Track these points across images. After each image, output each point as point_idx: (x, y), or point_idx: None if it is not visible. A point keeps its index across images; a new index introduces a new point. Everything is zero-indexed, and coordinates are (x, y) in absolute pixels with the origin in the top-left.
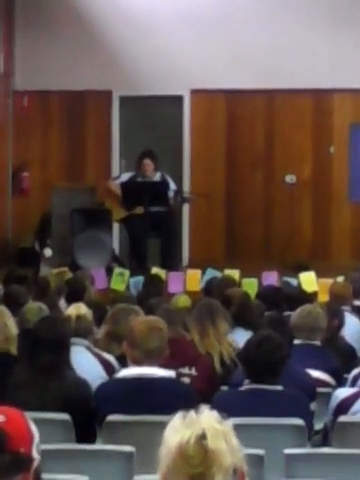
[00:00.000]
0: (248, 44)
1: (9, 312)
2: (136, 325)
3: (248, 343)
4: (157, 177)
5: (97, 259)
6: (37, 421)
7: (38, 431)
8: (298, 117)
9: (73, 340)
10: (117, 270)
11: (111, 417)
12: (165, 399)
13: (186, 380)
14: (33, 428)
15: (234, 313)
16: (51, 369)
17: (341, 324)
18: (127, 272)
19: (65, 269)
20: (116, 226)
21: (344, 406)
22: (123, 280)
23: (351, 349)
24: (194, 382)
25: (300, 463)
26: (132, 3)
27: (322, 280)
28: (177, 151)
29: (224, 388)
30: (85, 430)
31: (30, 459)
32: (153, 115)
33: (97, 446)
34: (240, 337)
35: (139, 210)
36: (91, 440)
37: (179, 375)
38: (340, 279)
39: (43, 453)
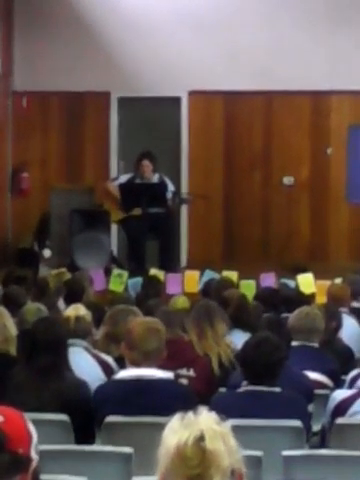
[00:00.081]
0: (246, 46)
1: (8, 313)
2: (134, 326)
3: (246, 345)
4: (155, 178)
5: (96, 260)
6: (36, 422)
7: (37, 432)
8: (296, 119)
9: (72, 341)
10: (115, 271)
11: (110, 418)
12: (163, 400)
13: (184, 381)
14: (31, 428)
15: (231, 315)
16: (50, 370)
17: (339, 326)
18: (125, 273)
19: (64, 270)
20: (114, 227)
21: (342, 408)
22: (121, 281)
23: (349, 351)
24: (192, 383)
25: (298, 465)
26: (131, 5)
27: (320, 282)
28: (175, 152)
29: (222, 390)
30: (84, 431)
31: (28, 459)
32: (151, 116)
33: (96, 447)
34: (238, 339)
35: (137, 211)
36: (90, 441)
37: (177, 376)
38: (338, 281)
39: (42, 454)
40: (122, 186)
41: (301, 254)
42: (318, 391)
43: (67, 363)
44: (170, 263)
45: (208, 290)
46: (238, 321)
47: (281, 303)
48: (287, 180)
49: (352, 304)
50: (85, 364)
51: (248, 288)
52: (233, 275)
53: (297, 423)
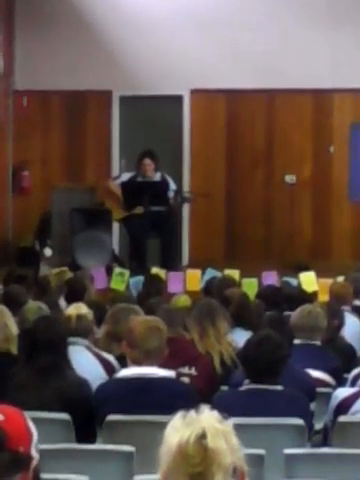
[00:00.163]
0: (248, 44)
1: (9, 312)
2: (135, 325)
3: (248, 343)
4: (157, 177)
5: (97, 259)
6: (37, 421)
7: (38, 431)
8: (298, 117)
9: (73, 340)
10: (117, 270)
11: (111, 417)
12: (165, 399)
13: (186, 380)
14: (32, 427)
15: (233, 313)
16: (50, 369)
17: (341, 324)
18: (127, 272)
19: (65, 269)
20: (116, 226)
21: (344, 406)
22: (123, 280)
23: (351, 349)
24: (194, 382)
25: (300, 463)
26: (132, 3)
27: (322, 280)
28: (177, 151)
29: (224, 388)
30: (85, 430)
31: (29, 458)
32: (153, 115)
33: (97, 446)
34: (239, 337)
35: (139, 210)
36: (91, 440)
37: (179, 375)
38: (340, 279)
39: (43, 453)
40: (124, 185)
41: (303, 252)
42: (320, 389)
43: (68, 362)
44: (172, 262)
45: (210, 288)
46: (239, 320)
47: (283, 301)
48: (289, 178)
49: (354, 302)
50: (86, 363)
51: (250, 286)
52: (235, 273)
53: (299, 421)
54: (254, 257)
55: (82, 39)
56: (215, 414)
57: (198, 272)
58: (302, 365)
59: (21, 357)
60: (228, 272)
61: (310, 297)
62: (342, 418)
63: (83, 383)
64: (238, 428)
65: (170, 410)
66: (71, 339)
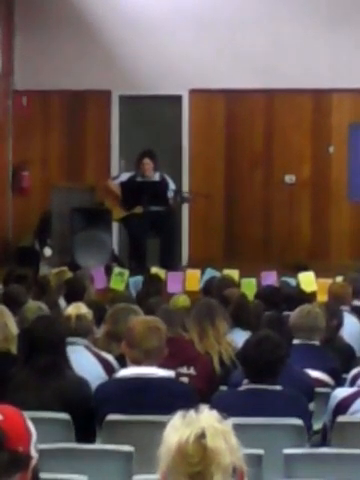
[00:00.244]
0: (247, 44)
1: (9, 312)
2: (135, 325)
3: (247, 343)
4: (156, 177)
5: (96, 258)
6: (37, 420)
7: (38, 430)
8: (297, 117)
9: (72, 340)
10: (116, 270)
11: (110, 417)
12: (164, 399)
13: (185, 380)
14: (31, 427)
15: (231, 313)
16: (50, 369)
17: (340, 324)
18: (126, 272)
19: (65, 268)
20: (116, 226)
21: (343, 406)
22: (122, 280)
23: (350, 349)
24: (193, 382)
25: (299, 463)
26: (132, 3)
27: (321, 280)
28: (176, 151)
29: (223, 388)
30: (85, 429)
31: (28, 458)
32: (152, 115)
33: (96, 446)
34: (238, 337)
35: (138, 210)
36: (91, 439)
37: (178, 375)
38: (339, 279)
39: (43, 452)
40: (123, 184)
41: (302, 252)
42: (319, 389)
43: (67, 361)
44: (171, 261)
45: (209, 288)
46: (238, 320)
47: (282, 301)
48: (288, 178)
49: (353, 302)
50: (86, 362)
51: (249, 286)
52: (234, 273)
53: (298, 421)
54: (253, 257)
55: (82, 39)
56: (214, 414)
57: (197, 272)
58: (301, 365)
59: (20, 357)
60: (227, 272)
61: (309, 297)
62: (341, 418)
63: (83, 383)
64: (237, 428)
65: (169, 410)
66: (70, 339)
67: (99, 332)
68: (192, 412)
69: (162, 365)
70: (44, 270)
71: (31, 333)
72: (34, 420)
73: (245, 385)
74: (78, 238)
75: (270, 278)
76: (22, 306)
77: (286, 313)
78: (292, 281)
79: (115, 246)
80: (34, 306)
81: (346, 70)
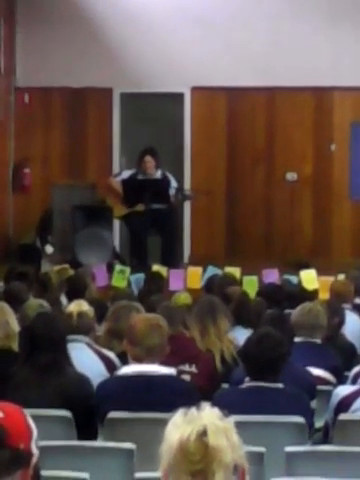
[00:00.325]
0: (249, 42)
1: (10, 309)
2: (136, 322)
3: (248, 341)
4: (158, 174)
5: (98, 256)
6: (38, 418)
7: (39, 428)
8: (299, 115)
9: (74, 337)
10: (118, 267)
11: (112, 414)
12: (166, 396)
13: (186, 377)
14: (31, 424)
15: (233, 311)
16: (51, 366)
17: (342, 322)
18: (128, 269)
19: (66, 266)
20: (117, 223)
21: (345, 404)
22: (124, 277)
23: (351, 347)
24: (194, 379)
25: (301, 461)
26: (133, 1)
27: (323, 278)
28: (178, 148)
29: (225, 386)
30: (86, 427)
31: (29, 455)
32: (154, 112)
33: (98, 443)
34: (240, 335)
35: (140, 207)
36: (92, 437)
37: (180, 372)
38: (341, 277)
39: (44, 450)
40: (125, 182)
41: (304, 250)
42: (321, 387)
43: (68, 359)
44: (173, 259)
45: (211, 286)
46: (239, 318)
47: (284, 299)
48: (290, 176)
49: (355, 300)
50: (87, 360)
51: (251, 284)
52: (236, 271)
53: (300, 419)
54: (255, 255)
55: (83, 36)
56: (216, 411)
57: (199, 270)
58: (303, 363)
59: (21, 354)
60: (229, 270)
61: (311, 295)
62: (343, 416)
63: (84, 380)
64: (239, 426)
65: (171, 408)
66: (72, 336)
67: (100, 329)
68: (194, 410)
69: (163, 363)
70: (45, 267)
71: (31, 331)
72: (35, 418)
73: (247, 383)
74: (79, 236)
75: (272, 276)
76: (23, 303)
77: (288, 311)
78: (294, 279)
79: (116, 244)
80: (35, 303)
81: (348, 68)
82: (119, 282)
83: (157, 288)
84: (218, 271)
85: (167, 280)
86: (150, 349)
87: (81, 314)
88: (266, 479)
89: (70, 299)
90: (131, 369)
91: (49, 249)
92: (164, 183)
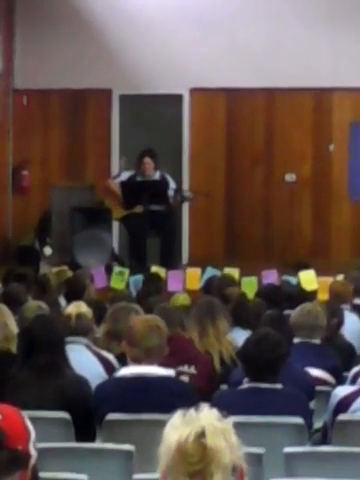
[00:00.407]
0: (248, 42)
1: (9, 311)
2: (135, 324)
3: (247, 341)
4: (157, 176)
5: (97, 258)
6: (37, 420)
7: (37, 430)
8: (298, 116)
9: (73, 339)
10: (117, 269)
11: (111, 416)
12: (164, 398)
13: (185, 379)
14: (29, 425)
15: (231, 312)
16: (49, 368)
17: (341, 322)
18: (127, 271)
19: (65, 268)
20: (116, 225)
21: (343, 404)
22: (123, 279)
23: (351, 347)
24: (193, 381)
25: (300, 461)
26: (132, 2)
27: (322, 278)
28: (177, 150)
29: (223, 387)
30: (85, 428)
31: (27, 456)
32: (153, 114)
33: (97, 445)
34: (238, 336)
35: (139, 209)
36: (90, 439)
37: (178, 374)
38: (340, 277)
39: (43, 451)
40: (123, 183)
41: (303, 251)
42: (320, 388)
43: (66, 360)
44: (171, 260)
45: (209, 287)
46: (238, 319)
47: (283, 300)
48: (289, 177)
49: (354, 301)
50: (86, 361)
51: (249, 285)
52: (235, 272)
53: (299, 420)
54: (254, 256)
55: (82, 38)
56: (214, 412)
57: (198, 271)
58: (302, 364)
59: (20, 356)
60: (228, 271)
61: (310, 296)
62: (342, 416)
63: (82, 382)
64: (238, 427)
65: (170, 409)
66: (71, 338)
67: (99, 331)
68: (192, 411)
69: (162, 364)
70: (44, 269)
71: (30, 332)
72: (34, 419)
73: (245, 384)
74: (78, 237)
75: (271, 277)
76: (22, 305)
77: (287, 312)
78: (293, 280)
79: (115, 245)
80: (34, 305)
81: (347, 69)
82: (118, 283)
83: (156, 289)
84: (217, 272)
85: (166, 281)
86: (149, 350)
87: (80, 316)
88: None
89: (69, 301)
90: (130, 370)
91: (48, 251)
92: (163, 184)
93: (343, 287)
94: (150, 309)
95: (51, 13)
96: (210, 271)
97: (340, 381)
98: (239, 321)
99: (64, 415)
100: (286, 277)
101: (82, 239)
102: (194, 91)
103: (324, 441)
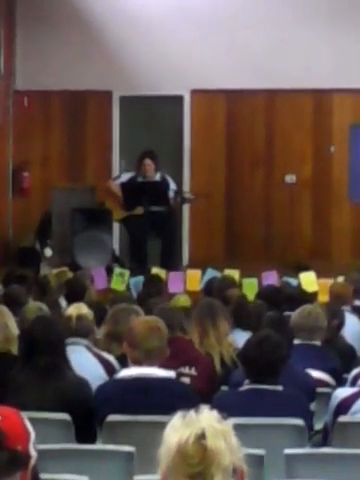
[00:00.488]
0: (248, 44)
1: (10, 312)
2: (136, 325)
3: (248, 343)
4: (157, 177)
5: (97, 259)
6: (37, 421)
7: (38, 431)
8: (298, 117)
9: (73, 340)
10: (117, 270)
11: (111, 417)
12: (165, 399)
13: (186, 380)
14: (29, 426)
15: (231, 314)
16: (50, 369)
17: (341, 324)
18: (127, 272)
19: (65, 269)
20: (116, 226)
21: (344, 406)
22: (123, 280)
23: (351, 349)
24: (194, 382)
25: (300, 463)
26: (132, 3)
27: (322, 280)
28: (177, 151)
29: (224, 388)
30: (85, 430)
31: (27, 457)
32: (153, 115)
33: (97, 446)
34: (239, 338)
35: (139, 210)
36: (91, 440)
37: (179, 375)
38: (340, 279)
39: (43, 453)
40: (124, 185)
41: (303, 252)
42: (320, 389)
43: (67, 362)
44: (172, 262)
45: (210, 289)
46: (238, 320)
47: (283, 301)
48: (289, 178)
49: (354, 302)
50: (87, 363)
51: (250, 286)
52: (235, 273)
53: (299, 421)
54: (254, 257)
55: (82, 39)
56: (214, 414)
57: (198, 272)
58: (302, 365)
59: (20, 358)
60: (228, 272)
61: (310, 297)
62: (342, 418)
63: (83, 383)
64: (238, 428)
65: (170, 410)
66: (71, 339)
67: (100, 332)
68: (192, 412)
69: (163, 365)
70: (45, 270)
71: (30, 334)
72: (34, 421)
73: (246, 385)
74: (79, 238)
75: (271, 278)
76: (23, 306)
77: (287, 313)
78: (293, 281)
79: (116, 246)
80: (34, 307)
81: (347, 70)
82: (118, 285)
83: (156, 291)
84: (217, 273)
85: (166, 283)
86: (149, 352)
87: (80, 317)
88: None
89: (69, 302)
90: (130, 372)
91: (48, 252)
92: (163, 186)
93: (343, 289)
94: (151, 311)
95: (51, 14)
96: (210, 272)
97: (340, 383)
98: (239, 322)
99: (65, 416)
100: (286, 278)
101: (82, 240)
102: (194, 92)
103: (324, 443)
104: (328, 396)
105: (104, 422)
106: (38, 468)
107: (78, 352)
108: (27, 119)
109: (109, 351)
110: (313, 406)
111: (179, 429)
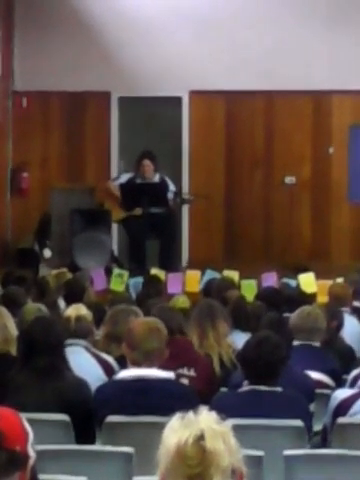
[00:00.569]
0: (247, 45)
1: (9, 313)
2: (135, 326)
3: (247, 344)
4: (156, 178)
5: (96, 260)
6: (36, 422)
7: (37, 432)
8: (297, 118)
9: (72, 341)
10: (116, 271)
11: (110, 418)
12: (164, 400)
13: (185, 381)
14: (27, 426)
15: (229, 315)
16: (49, 370)
17: (340, 325)
18: (126, 273)
19: (64, 270)
20: (115, 227)
21: (343, 407)
22: (122, 281)
23: (350, 350)
24: (193, 383)
25: (299, 464)
26: (131, 4)
27: (321, 281)
28: (176, 152)
29: (223, 390)
30: (84, 431)
31: (26, 457)
32: (152, 116)
33: (96, 447)
34: (238, 339)
35: (138, 211)
36: (90, 441)
37: (178, 376)
38: (339, 280)
39: (42, 454)
40: (123, 186)
41: (302, 254)
42: (319, 391)
43: (66, 363)
44: (171, 263)
45: (209, 290)
46: (236, 322)
47: (283, 303)
48: (288, 180)
49: (353, 303)
50: (86, 364)
51: (249, 288)
52: (234, 275)
53: (298, 423)
54: (253, 258)
55: (81, 40)
56: (213, 415)
57: (197, 273)
58: (301, 366)
59: (19, 359)
60: (227, 273)
61: (309, 298)
62: (341, 419)
63: (82, 384)
64: (237, 429)
65: (169, 411)
66: (70, 340)
67: (99, 333)
68: (191, 414)
69: (162, 366)
70: (44, 271)
71: (29, 335)
72: (33, 422)
73: (245, 386)
74: (78, 239)
75: (270, 279)
76: (21, 307)
77: (286, 314)
78: (292, 282)
79: (115, 247)
80: (33, 307)
81: (346, 71)
82: (117, 286)
83: (155, 292)
84: (216, 275)
85: (165, 284)
86: (149, 353)
87: (79, 318)
88: None
89: (68, 303)
90: (129, 373)
91: (47, 253)
92: (162, 187)
93: (343, 290)
94: (149, 311)
95: (50, 15)
96: (210, 273)
97: (340, 384)
98: (239, 324)
99: (64, 417)
100: (286, 280)
101: (82, 241)
102: (193, 93)
103: (324, 444)
104: (327, 397)
105: (103, 423)
106: (37, 469)
107: (77, 353)
108: (26, 120)
109: (108, 352)
110: (312, 407)
111: (178, 430)
